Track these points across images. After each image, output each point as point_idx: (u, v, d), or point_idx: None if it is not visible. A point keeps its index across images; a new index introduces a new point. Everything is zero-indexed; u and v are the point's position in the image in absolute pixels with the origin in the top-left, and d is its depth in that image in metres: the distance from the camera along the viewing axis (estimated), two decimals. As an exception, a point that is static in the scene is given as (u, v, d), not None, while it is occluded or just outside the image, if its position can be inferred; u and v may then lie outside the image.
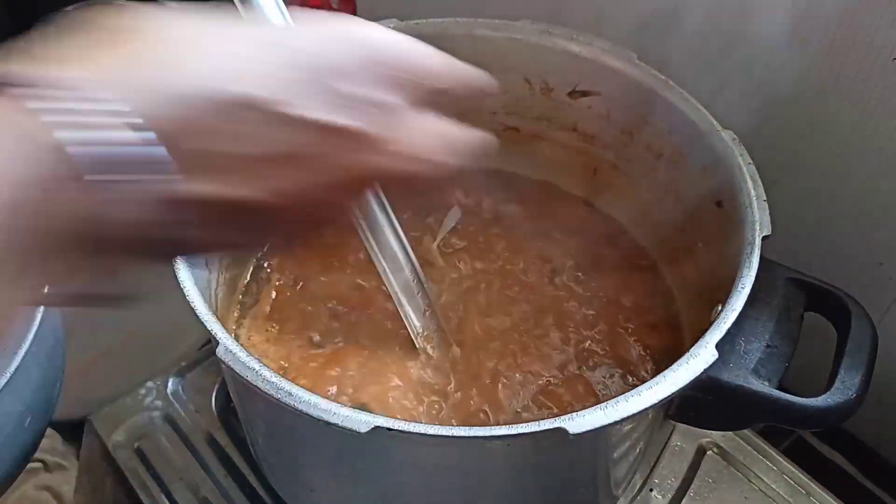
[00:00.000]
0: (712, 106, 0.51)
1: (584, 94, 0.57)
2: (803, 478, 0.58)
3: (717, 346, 0.39)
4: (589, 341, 0.54)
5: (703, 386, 0.39)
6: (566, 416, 0.36)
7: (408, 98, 0.30)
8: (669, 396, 0.37)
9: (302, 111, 0.27)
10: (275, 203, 0.28)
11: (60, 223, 0.25)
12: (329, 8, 0.79)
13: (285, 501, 0.55)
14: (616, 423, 0.36)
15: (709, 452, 0.59)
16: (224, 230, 0.28)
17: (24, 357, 0.44)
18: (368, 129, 0.28)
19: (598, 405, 0.37)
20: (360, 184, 0.31)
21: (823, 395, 0.40)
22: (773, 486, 0.57)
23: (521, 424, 0.36)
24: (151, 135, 0.25)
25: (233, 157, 0.26)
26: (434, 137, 0.31)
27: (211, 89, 0.26)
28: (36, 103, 0.24)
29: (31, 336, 0.45)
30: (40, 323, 0.47)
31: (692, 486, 0.57)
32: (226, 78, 0.26)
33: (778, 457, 0.59)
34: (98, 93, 0.25)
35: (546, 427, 0.36)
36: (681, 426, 0.53)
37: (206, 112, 0.25)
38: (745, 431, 0.60)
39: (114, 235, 0.26)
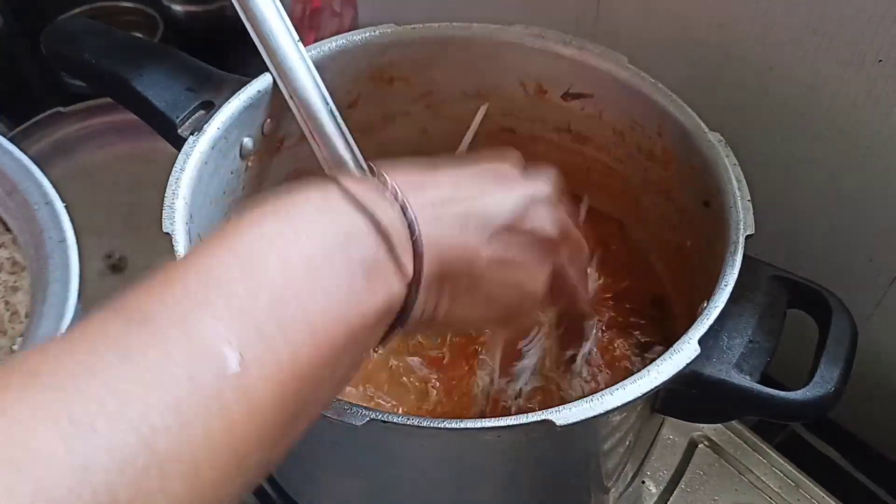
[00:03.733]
0: (700, 107, 0.52)
1: (577, 96, 0.58)
2: (793, 471, 0.59)
3: (700, 342, 0.40)
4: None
5: (687, 380, 0.40)
6: (553, 409, 0.37)
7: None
8: (653, 390, 0.39)
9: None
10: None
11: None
12: (331, 11, 0.80)
13: (288, 493, 0.56)
14: (601, 415, 0.38)
15: (700, 446, 0.60)
16: None
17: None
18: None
19: (584, 398, 0.38)
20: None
21: (803, 389, 0.41)
22: (764, 479, 0.58)
23: (509, 417, 0.38)
24: None
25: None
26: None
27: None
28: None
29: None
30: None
31: (684, 479, 0.58)
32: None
33: (769, 450, 0.60)
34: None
35: (534, 419, 0.37)
36: (672, 420, 0.55)
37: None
38: (737, 425, 0.61)
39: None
